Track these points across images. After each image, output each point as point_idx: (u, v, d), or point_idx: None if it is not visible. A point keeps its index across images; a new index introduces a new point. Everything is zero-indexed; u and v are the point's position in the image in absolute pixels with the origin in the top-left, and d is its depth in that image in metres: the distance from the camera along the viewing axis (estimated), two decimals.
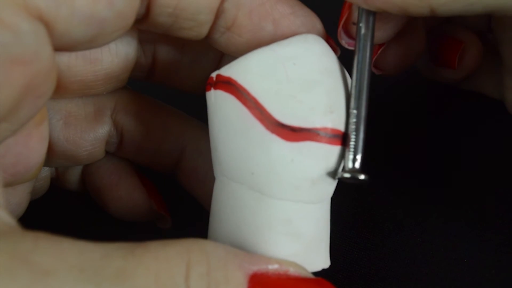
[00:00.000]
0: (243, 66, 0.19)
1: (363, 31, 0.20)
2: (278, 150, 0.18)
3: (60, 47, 0.17)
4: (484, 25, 0.28)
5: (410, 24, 0.26)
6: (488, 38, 0.30)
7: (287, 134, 0.18)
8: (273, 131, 0.18)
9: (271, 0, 0.20)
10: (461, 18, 0.29)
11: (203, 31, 0.21)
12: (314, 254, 0.19)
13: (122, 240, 0.15)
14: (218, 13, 0.20)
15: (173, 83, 0.26)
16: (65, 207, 0.29)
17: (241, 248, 0.18)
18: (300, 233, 0.19)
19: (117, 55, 0.23)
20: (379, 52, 0.26)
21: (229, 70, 0.19)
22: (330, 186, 0.20)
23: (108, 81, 0.23)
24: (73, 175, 0.28)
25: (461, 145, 0.30)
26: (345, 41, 0.22)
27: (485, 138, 0.30)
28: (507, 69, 0.25)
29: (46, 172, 0.26)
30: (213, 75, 0.20)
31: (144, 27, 0.21)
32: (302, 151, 0.18)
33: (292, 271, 0.17)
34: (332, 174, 0.19)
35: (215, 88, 0.19)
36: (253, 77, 0.18)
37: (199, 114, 0.27)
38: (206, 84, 0.20)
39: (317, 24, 0.21)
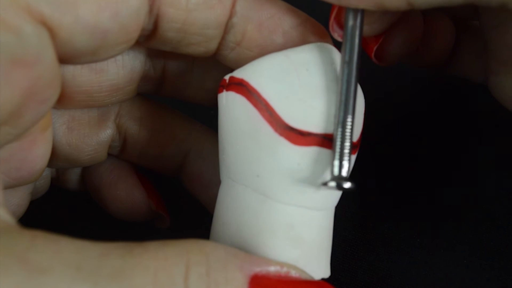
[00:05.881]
0: (256, 69, 0.19)
1: (350, 23, 0.19)
2: (285, 153, 0.18)
3: (63, 56, 0.17)
4: (469, 11, 0.28)
5: (408, 12, 0.25)
6: (471, 24, 0.29)
7: (295, 138, 0.18)
8: (282, 133, 0.18)
9: (279, 12, 0.20)
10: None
11: (212, 46, 0.21)
12: (314, 262, 0.19)
13: (122, 240, 0.15)
14: (227, 29, 0.20)
15: (183, 96, 0.26)
16: (65, 207, 0.29)
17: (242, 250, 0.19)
18: (301, 239, 0.19)
19: (123, 66, 0.23)
20: (378, 43, 0.26)
21: (242, 72, 0.19)
22: (335, 194, 0.19)
23: (113, 93, 0.23)
24: (73, 175, 0.28)
25: (461, 144, 0.30)
26: (337, 33, 0.22)
27: (483, 134, 0.30)
28: (491, 54, 0.25)
29: (47, 172, 0.26)
30: (226, 77, 0.20)
31: (152, 44, 0.21)
32: (309, 156, 0.18)
33: (293, 273, 0.17)
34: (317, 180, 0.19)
35: (227, 90, 0.19)
36: (265, 79, 0.19)
37: (204, 118, 0.27)
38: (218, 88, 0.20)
39: (325, 34, 0.21)
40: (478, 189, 0.28)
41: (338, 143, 0.18)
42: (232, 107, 0.19)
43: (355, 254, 0.26)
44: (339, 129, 0.18)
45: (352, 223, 0.27)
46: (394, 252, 0.25)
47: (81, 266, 0.14)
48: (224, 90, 0.20)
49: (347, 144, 0.18)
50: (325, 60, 0.19)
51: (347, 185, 0.18)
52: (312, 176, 0.18)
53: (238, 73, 0.19)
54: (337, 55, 0.20)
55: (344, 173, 0.18)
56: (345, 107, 0.18)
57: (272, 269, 0.16)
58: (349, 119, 0.18)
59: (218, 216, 0.20)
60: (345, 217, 0.27)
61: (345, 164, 0.18)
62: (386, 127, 0.31)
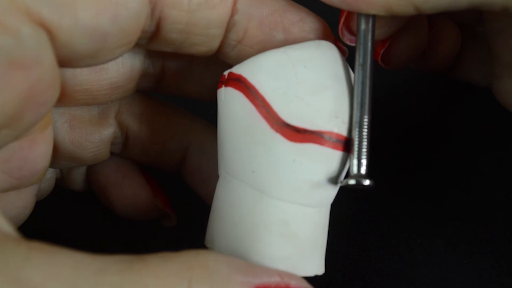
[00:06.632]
0: (254, 65, 0.19)
1: (362, 27, 0.20)
2: (281, 149, 0.18)
3: (62, 59, 0.17)
4: (473, 18, 0.28)
5: (414, 17, 0.26)
6: (476, 30, 0.30)
7: (291, 134, 0.18)
8: (278, 130, 0.18)
9: (279, 9, 0.20)
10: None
11: (214, 45, 0.21)
12: (308, 259, 0.19)
13: (127, 238, 0.15)
14: (229, 27, 0.20)
15: (182, 92, 0.26)
16: (70, 207, 0.29)
17: (236, 246, 0.19)
18: (295, 235, 0.19)
19: (123, 64, 0.23)
20: (385, 47, 0.26)
21: (240, 68, 0.20)
22: (330, 191, 0.20)
23: (113, 91, 0.23)
24: (78, 175, 0.28)
25: (461, 144, 0.30)
26: (347, 38, 0.22)
27: (486, 137, 0.30)
28: (495, 59, 0.25)
29: (51, 173, 0.26)
30: (225, 73, 0.20)
31: (155, 46, 0.21)
32: (304, 153, 0.18)
33: (293, 284, 0.17)
34: (334, 179, 0.19)
35: (226, 85, 0.20)
36: (263, 76, 0.19)
37: (204, 115, 0.27)
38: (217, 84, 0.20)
39: (326, 29, 0.21)
40: (478, 190, 0.28)
41: (356, 143, 0.19)
42: (230, 102, 0.19)
43: (355, 254, 0.26)
44: (357, 129, 0.19)
45: (352, 223, 0.27)
46: (394, 252, 0.26)
47: (76, 284, 0.13)
48: (223, 86, 0.20)
49: (365, 143, 0.19)
50: (323, 58, 0.19)
51: (367, 182, 0.19)
52: (307, 173, 0.19)
53: (237, 69, 0.20)
54: (336, 53, 0.20)
55: (363, 171, 0.19)
56: (361, 108, 0.19)
57: (273, 280, 0.16)
58: (365, 119, 0.19)
59: (215, 210, 0.20)
60: (345, 217, 0.27)
61: (364, 162, 0.19)
62: (387, 129, 0.31)
